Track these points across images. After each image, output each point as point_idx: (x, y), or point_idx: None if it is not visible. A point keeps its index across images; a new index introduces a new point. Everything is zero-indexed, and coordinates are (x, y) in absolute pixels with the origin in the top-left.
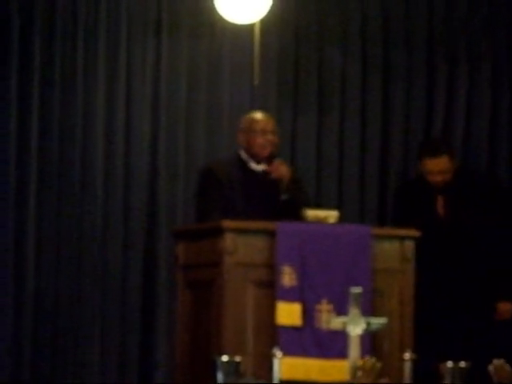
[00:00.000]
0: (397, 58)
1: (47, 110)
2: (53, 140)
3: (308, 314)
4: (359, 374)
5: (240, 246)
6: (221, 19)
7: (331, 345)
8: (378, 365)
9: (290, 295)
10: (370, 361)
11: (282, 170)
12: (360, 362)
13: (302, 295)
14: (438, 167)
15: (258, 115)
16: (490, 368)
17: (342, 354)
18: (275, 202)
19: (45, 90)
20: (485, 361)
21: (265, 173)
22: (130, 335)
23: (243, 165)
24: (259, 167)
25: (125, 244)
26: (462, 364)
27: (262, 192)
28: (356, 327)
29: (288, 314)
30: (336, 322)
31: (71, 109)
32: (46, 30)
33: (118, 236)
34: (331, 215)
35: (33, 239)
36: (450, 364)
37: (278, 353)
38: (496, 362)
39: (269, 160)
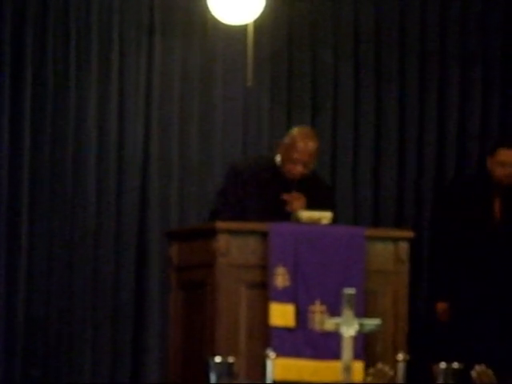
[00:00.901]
0: (389, 58)
1: (39, 111)
2: (45, 141)
3: (301, 315)
4: (369, 379)
5: (233, 247)
6: (214, 20)
7: (324, 346)
8: (391, 372)
9: (283, 296)
10: (383, 368)
11: (295, 204)
12: (372, 369)
13: (296, 296)
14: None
15: (301, 140)
16: (473, 373)
17: (335, 355)
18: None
19: (37, 91)
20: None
21: (297, 182)
22: (122, 336)
23: (275, 169)
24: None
25: (117, 245)
26: (455, 365)
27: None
28: (349, 328)
29: (281, 314)
30: (329, 323)
31: (64, 110)
32: (38, 32)
33: (111, 236)
34: (325, 216)
35: (25, 239)
36: (442, 365)
37: (271, 354)
38: (478, 367)
39: (299, 183)
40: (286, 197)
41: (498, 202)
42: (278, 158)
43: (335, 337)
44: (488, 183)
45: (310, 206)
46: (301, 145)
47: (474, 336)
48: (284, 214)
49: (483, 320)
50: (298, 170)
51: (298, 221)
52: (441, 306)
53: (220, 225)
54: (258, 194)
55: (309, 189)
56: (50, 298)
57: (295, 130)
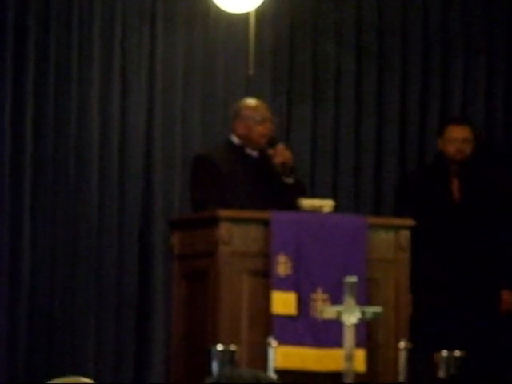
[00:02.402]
0: (392, 47)
1: (41, 101)
2: (47, 132)
3: (303, 303)
4: None
5: (235, 235)
6: (216, 9)
7: (326, 334)
8: None
9: (285, 284)
10: None
11: (285, 154)
12: None
13: (297, 284)
14: (461, 134)
15: (254, 102)
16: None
17: (336, 343)
18: (275, 187)
19: (39, 81)
20: (484, 352)
21: (263, 158)
22: (125, 325)
23: (239, 150)
24: (254, 153)
25: (120, 234)
26: (457, 353)
27: (260, 177)
28: (351, 316)
29: (283, 303)
30: (331, 312)
31: (66, 100)
32: (41, 21)
33: (114, 226)
34: (326, 204)
35: (28, 230)
36: (444, 353)
37: (273, 342)
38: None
39: (268, 145)
40: (270, 152)
41: (456, 182)
42: (235, 138)
43: (337, 325)
44: (443, 166)
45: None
46: (254, 103)
47: (441, 322)
48: (267, 193)
49: (449, 304)
50: (269, 127)
51: (299, 209)
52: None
53: (222, 213)
54: (236, 176)
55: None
56: (54, 289)
57: (240, 102)
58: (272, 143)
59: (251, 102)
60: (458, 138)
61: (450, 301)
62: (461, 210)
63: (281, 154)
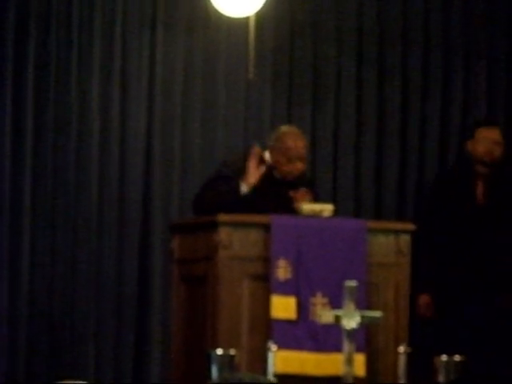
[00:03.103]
0: (392, 52)
1: (42, 105)
2: (47, 134)
3: (303, 307)
4: None
5: (235, 239)
6: (216, 13)
7: (326, 338)
8: None
9: (284, 288)
10: None
11: (305, 199)
12: None
13: (297, 288)
14: (493, 136)
15: (293, 139)
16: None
17: (336, 347)
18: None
19: (39, 86)
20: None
21: (287, 184)
22: (125, 328)
23: (268, 168)
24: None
25: (120, 238)
26: (457, 358)
27: (277, 200)
28: (351, 321)
29: (283, 307)
30: (331, 316)
31: (66, 104)
32: (41, 25)
33: (113, 229)
34: (326, 209)
35: (27, 233)
36: (444, 358)
37: (273, 346)
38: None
39: (293, 183)
40: (292, 193)
41: (481, 185)
42: (267, 156)
43: (337, 329)
44: (469, 169)
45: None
46: (293, 143)
47: (461, 326)
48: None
49: (469, 308)
50: (299, 167)
51: (299, 213)
52: (423, 299)
53: (222, 217)
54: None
55: (294, 184)
56: (53, 292)
57: (282, 131)
58: (296, 183)
59: (291, 137)
60: (489, 140)
61: (471, 303)
62: (484, 213)
63: (301, 200)
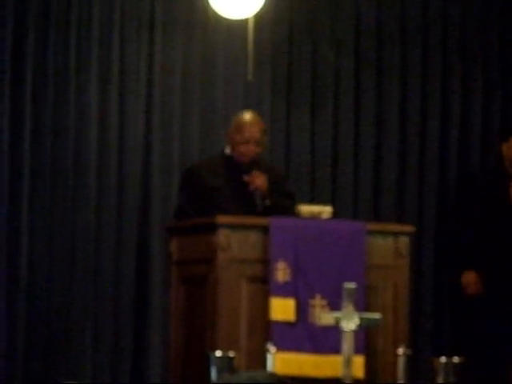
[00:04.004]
0: (390, 53)
1: (40, 107)
2: (46, 137)
3: (302, 309)
4: None
5: (234, 241)
6: (214, 15)
7: (325, 340)
8: None
9: (283, 291)
10: None
11: (257, 182)
12: None
13: (296, 290)
14: None
15: (246, 121)
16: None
17: (335, 349)
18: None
19: (38, 87)
20: None
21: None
22: (123, 331)
23: (226, 158)
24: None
25: (118, 240)
26: (456, 359)
27: (245, 188)
28: (350, 323)
29: (282, 309)
30: (330, 318)
31: (64, 106)
32: (40, 27)
33: (112, 232)
34: (325, 211)
35: (26, 236)
36: (443, 359)
37: (272, 348)
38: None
39: (249, 167)
40: (246, 178)
41: None
42: (228, 150)
43: (336, 331)
44: (503, 170)
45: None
46: (247, 124)
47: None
48: (246, 197)
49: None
50: (251, 148)
51: (298, 215)
52: (468, 277)
53: (220, 219)
54: (217, 185)
55: (261, 171)
56: (51, 294)
57: (238, 115)
58: (251, 168)
59: (242, 118)
60: None
61: (503, 301)
62: None
63: (253, 182)
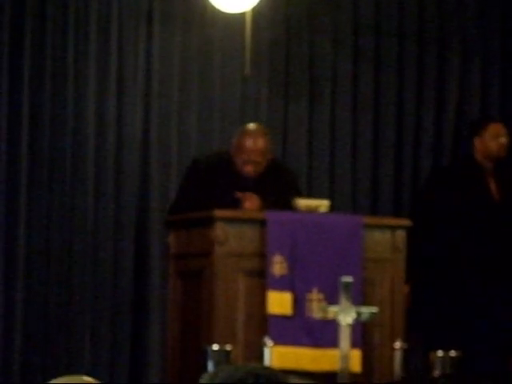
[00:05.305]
0: (388, 48)
1: (38, 101)
2: (44, 131)
3: (299, 303)
4: None
5: (231, 235)
6: (212, 8)
7: (322, 334)
8: None
9: (280, 284)
10: None
11: (246, 205)
12: None
13: (293, 284)
14: (503, 131)
15: (249, 140)
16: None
17: (332, 343)
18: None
19: (35, 80)
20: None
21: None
22: (121, 324)
23: (231, 166)
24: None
25: (116, 233)
26: (453, 353)
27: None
28: (347, 316)
29: (279, 303)
30: (327, 311)
31: (62, 100)
32: (37, 20)
33: (110, 225)
34: (322, 204)
35: (23, 229)
36: (440, 353)
37: (269, 342)
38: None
39: (254, 179)
40: (239, 195)
41: (493, 182)
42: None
43: (333, 325)
44: (476, 165)
45: (275, 195)
46: (249, 144)
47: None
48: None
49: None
50: (249, 169)
51: (295, 209)
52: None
53: (218, 213)
54: (216, 189)
55: (269, 181)
56: (49, 289)
57: (243, 129)
58: (254, 180)
59: (246, 135)
60: (501, 135)
61: (483, 301)
62: (501, 210)
63: (244, 203)
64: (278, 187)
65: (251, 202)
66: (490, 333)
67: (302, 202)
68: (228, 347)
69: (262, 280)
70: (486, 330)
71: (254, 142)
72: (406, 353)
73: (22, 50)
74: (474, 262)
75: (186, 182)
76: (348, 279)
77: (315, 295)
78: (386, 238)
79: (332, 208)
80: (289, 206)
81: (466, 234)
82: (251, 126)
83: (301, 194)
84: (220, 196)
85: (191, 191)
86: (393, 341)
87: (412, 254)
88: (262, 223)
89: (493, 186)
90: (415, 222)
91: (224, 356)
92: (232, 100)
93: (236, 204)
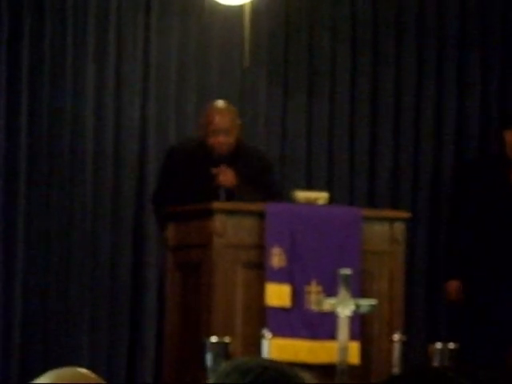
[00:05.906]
0: (387, 41)
1: (36, 92)
2: (42, 124)
3: (297, 295)
4: None
5: (229, 227)
6: (210, 0)
7: (320, 326)
8: None
9: (279, 276)
10: None
11: (220, 178)
12: None
13: (292, 276)
14: None
15: (215, 113)
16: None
17: (331, 335)
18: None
19: (34, 71)
20: None
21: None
22: (119, 316)
23: (206, 146)
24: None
25: (114, 226)
26: (451, 345)
27: (214, 181)
28: (345, 309)
29: (277, 295)
30: (325, 304)
31: (60, 92)
32: (35, 12)
33: (108, 217)
34: (321, 197)
35: (22, 221)
36: (438, 345)
37: (267, 334)
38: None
39: (228, 158)
40: (214, 171)
41: None
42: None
43: (331, 317)
44: (504, 157)
45: (245, 178)
46: (216, 115)
47: (490, 314)
48: (215, 190)
49: (499, 299)
50: (221, 140)
51: (294, 201)
52: (452, 285)
53: (216, 205)
54: (191, 172)
55: (241, 160)
56: (48, 281)
57: (209, 106)
58: (229, 159)
59: (212, 110)
60: None
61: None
62: None
63: (219, 176)
64: (252, 168)
65: (226, 176)
66: (491, 325)
67: (301, 195)
68: (226, 339)
69: (260, 272)
70: (488, 322)
71: (220, 112)
72: (405, 345)
73: (21, 41)
74: (504, 260)
75: (163, 169)
76: (347, 271)
77: (314, 287)
78: (384, 231)
79: (331, 200)
80: (262, 187)
81: (498, 229)
82: (216, 101)
83: (275, 182)
84: (197, 177)
85: (170, 177)
86: (391, 333)
87: (454, 251)
88: (261, 215)
89: None
90: (457, 220)
91: (222, 348)
92: (231, 92)
93: (213, 180)
